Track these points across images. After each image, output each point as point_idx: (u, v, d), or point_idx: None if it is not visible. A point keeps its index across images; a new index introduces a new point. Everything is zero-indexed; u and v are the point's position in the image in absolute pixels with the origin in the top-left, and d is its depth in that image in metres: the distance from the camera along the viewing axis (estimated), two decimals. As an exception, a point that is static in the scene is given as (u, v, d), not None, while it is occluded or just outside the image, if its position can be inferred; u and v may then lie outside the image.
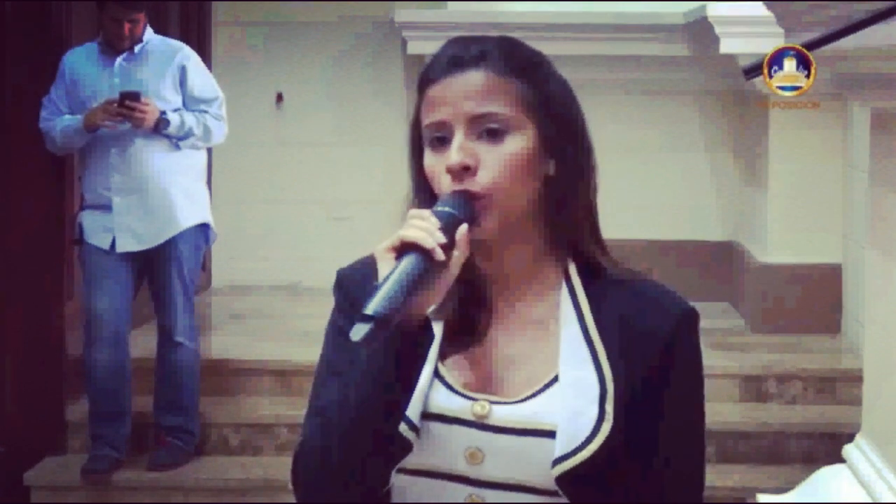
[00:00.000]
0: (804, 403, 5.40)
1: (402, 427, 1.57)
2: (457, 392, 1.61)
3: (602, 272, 1.66)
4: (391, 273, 1.50)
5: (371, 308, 1.46)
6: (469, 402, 1.61)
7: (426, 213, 1.55)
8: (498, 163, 1.59)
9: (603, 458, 1.56)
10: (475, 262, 1.63)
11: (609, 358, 1.61)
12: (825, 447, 4.98)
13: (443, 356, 1.63)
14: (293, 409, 5.30)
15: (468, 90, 1.60)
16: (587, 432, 1.57)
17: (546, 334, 1.64)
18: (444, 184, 1.60)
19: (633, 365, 1.61)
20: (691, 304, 1.67)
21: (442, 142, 1.61)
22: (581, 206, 1.65)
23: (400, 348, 1.54)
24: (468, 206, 1.58)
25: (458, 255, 1.55)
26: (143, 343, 5.49)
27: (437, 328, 1.62)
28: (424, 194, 1.65)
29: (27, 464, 5.17)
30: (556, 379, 1.60)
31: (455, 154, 1.59)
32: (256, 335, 6.04)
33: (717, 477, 4.92)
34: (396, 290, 1.48)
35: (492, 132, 1.60)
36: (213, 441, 5.29)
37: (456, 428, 1.60)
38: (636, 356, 1.61)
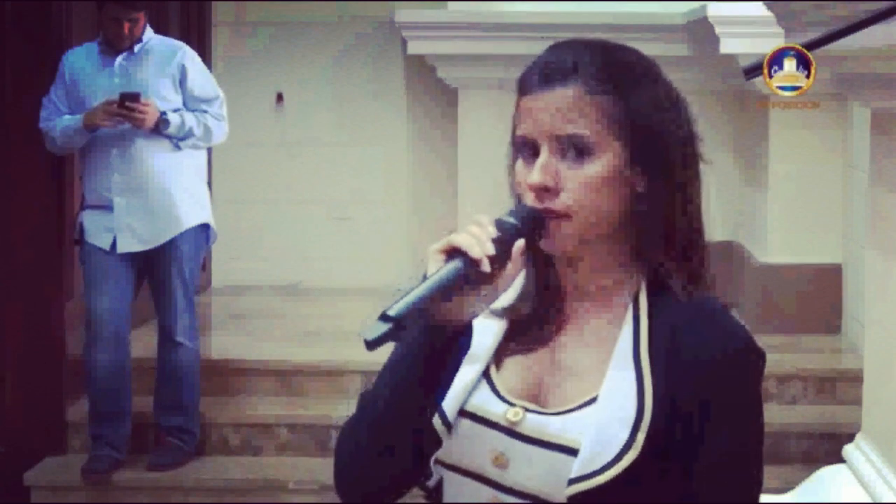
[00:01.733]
0: (804, 403, 5.40)
1: (435, 420, 1.60)
2: (499, 396, 1.62)
3: (673, 294, 1.61)
4: (430, 276, 1.51)
5: (394, 309, 1.47)
6: (504, 407, 1.61)
7: (485, 220, 1.55)
8: (580, 185, 1.58)
9: (619, 486, 1.53)
10: (556, 269, 1.64)
11: (654, 384, 1.57)
12: (825, 447, 4.98)
13: (499, 357, 1.64)
14: (293, 409, 5.31)
15: (556, 108, 1.59)
16: (610, 457, 1.54)
17: (602, 351, 1.62)
18: (527, 200, 1.60)
19: (681, 395, 1.56)
20: (757, 343, 1.61)
21: (529, 154, 1.61)
22: (668, 223, 1.61)
23: (429, 351, 1.56)
24: (537, 221, 1.57)
25: (511, 269, 1.55)
26: (143, 343, 5.49)
27: (501, 327, 1.64)
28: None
29: (27, 464, 5.17)
30: (595, 398, 1.59)
31: (537, 174, 1.58)
32: (256, 335, 6.04)
33: (717, 477, 4.92)
34: (425, 294, 1.48)
35: (576, 151, 1.59)
36: (213, 441, 5.29)
37: (486, 430, 1.61)
38: (686, 387, 1.57)
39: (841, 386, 5.36)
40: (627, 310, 1.63)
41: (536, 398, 1.62)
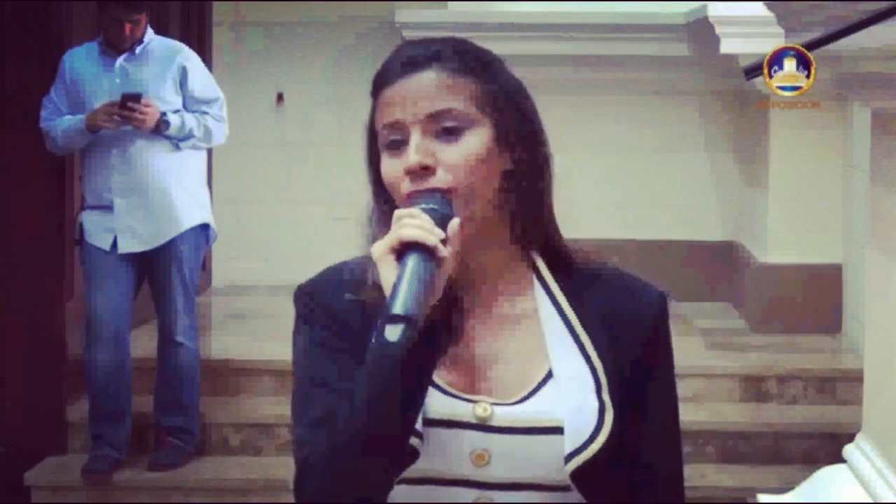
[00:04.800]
0: (804, 403, 5.40)
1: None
2: (452, 396, 1.60)
3: (571, 264, 1.66)
4: (402, 274, 1.48)
5: (400, 308, 1.44)
6: (470, 405, 1.59)
7: (415, 210, 1.52)
8: (457, 161, 1.57)
9: (612, 448, 1.57)
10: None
11: (596, 347, 1.61)
12: (825, 447, 4.99)
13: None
14: (293, 409, 5.30)
15: (422, 90, 1.58)
16: (593, 425, 1.57)
17: (525, 330, 1.63)
18: (404, 186, 1.58)
19: (619, 355, 1.62)
20: (659, 287, 1.69)
21: (399, 145, 1.59)
22: (542, 198, 1.64)
23: (407, 356, 1.50)
24: (447, 201, 1.56)
25: (451, 252, 1.53)
26: (143, 343, 5.50)
27: None
28: (383, 202, 1.63)
29: (28, 464, 5.17)
30: (549, 374, 1.60)
31: (413, 155, 1.56)
32: (256, 335, 6.04)
33: (717, 477, 4.93)
34: (415, 287, 1.46)
35: (448, 130, 1.58)
36: (213, 441, 5.29)
37: (459, 432, 1.58)
38: (620, 346, 1.62)
39: (841, 386, 5.36)
40: (532, 289, 1.65)
41: (481, 391, 1.60)
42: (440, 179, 1.57)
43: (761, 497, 3.97)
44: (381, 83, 1.62)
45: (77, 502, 5.08)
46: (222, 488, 5.09)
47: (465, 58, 1.62)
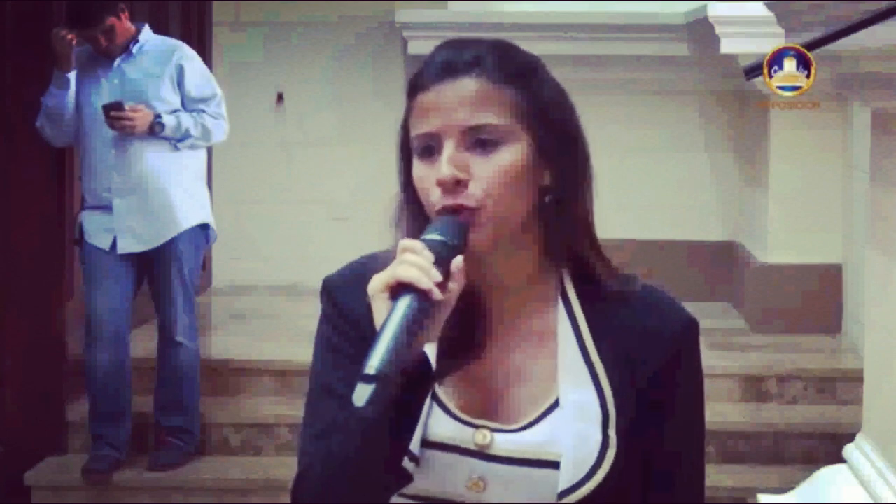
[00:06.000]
0: (804, 403, 5.40)
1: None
2: (456, 418, 1.56)
3: (599, 282, 1.60)
4: (388, 321, 1.42)
5: (373, 367, 1.39)
6: (470, 431, 1.55)
7: (419, 245, 1.47)
8: (490, 175, 1.52)
9: (609, 486, 1.52)
10: (469, 273, 1.52)
11: (609, 377, 1.56)
12: (825, 447, 4.98)
13: (439, 376, 1.55)
14: (294, 409, 5.30)
15: (461, 99, 1.53)
16: (592, 461, 1.53)
17: (544, 351, 1.58)
18: (434, 196, 1.53)
19: (634, 378, 1.56)
20: (691, 312, 1.64)
21: (431, 151, 1.54)
22: (579, 214, 1.59)
23: (400, 392, 1.46)
24: (459, 229, 1.50)
25: (455, 288, 1.47)
26: (143, 343, 5.49)
27: (431, 348, 1.55)
28: (413, 201, 1.59)
29: (28, 464, 5.17)
30: (556, 402, 1.56)
31: (445, 167, 1.51)
32: (256, 335, 6.04)
33: (717, 477, 4.92)
34: (396, 340, 1.41)
35: (484, 143, 1.52)
36: (213, 441, 5.29)
37: (457, 457, 1.55)
38: (637, 368, 1.56)
39: (841, 386, 5.36)
40: (555, 306, 1.59)
41: (488, 413, 1.57)
42: (472, 194, 1.52)
43: (761, 497, 3.97)
44: (417, 86, 1.56)
45: (77, 502, 5.08)
46: (222, 488, 5.09)
47: (507, 65, 1.55)
